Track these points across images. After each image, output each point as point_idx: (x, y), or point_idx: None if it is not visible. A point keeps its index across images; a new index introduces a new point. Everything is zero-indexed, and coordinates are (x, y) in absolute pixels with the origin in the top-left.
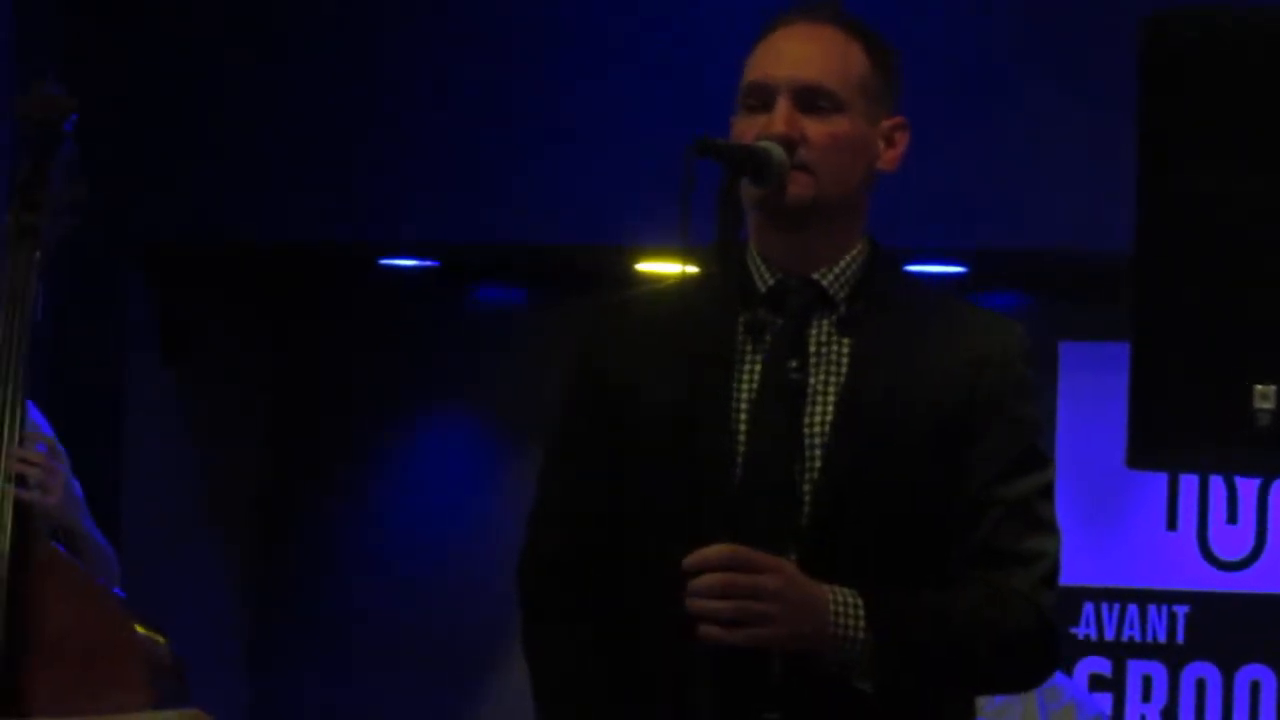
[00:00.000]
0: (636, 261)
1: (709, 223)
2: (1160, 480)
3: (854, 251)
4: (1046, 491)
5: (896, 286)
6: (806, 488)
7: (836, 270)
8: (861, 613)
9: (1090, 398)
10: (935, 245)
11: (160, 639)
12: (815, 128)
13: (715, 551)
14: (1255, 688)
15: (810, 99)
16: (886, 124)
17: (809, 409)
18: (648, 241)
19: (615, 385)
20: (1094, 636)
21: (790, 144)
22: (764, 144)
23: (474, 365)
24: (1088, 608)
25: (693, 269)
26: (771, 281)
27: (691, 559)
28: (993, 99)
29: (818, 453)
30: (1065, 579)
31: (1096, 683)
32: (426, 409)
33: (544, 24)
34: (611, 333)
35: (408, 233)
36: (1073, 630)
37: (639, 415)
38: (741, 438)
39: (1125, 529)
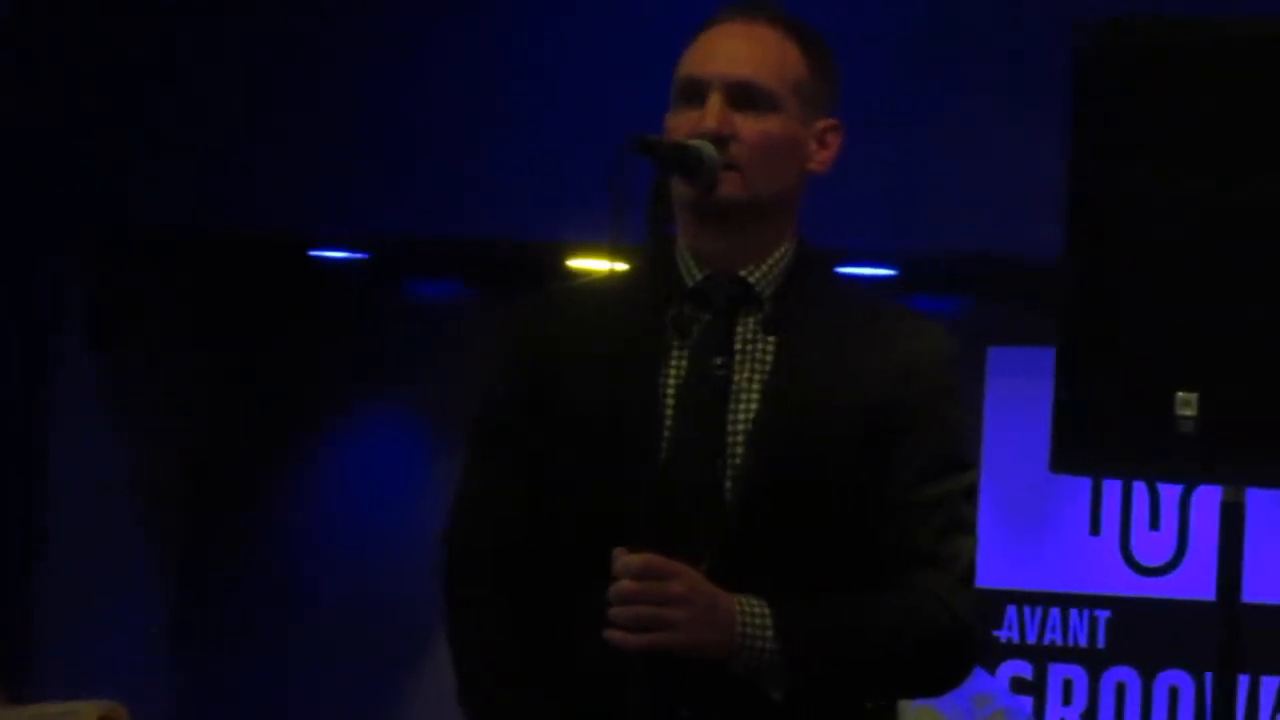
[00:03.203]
0: (569, 258)
1: (641, 219)
2: (1084, 485)
3: (782, 250)
4: (968, 494)
5: (825, 286)
6: (729, 483)
7: (764, 268)
8: (769, 622)
9: (1017, 402)
10: (866, 248)
11: None
12: (747, 125)
13: (630, 559)
14: (1174, 693)
15: (743, 96)
16: (820, 125)
17: (733, 405)
18: (580, 237)
19: (542, 377)
20: (1016, 639)
21: (721, 140)
22: (696, 142)
23: (406, 359)
24: (1010, 611)
25: (622, 265)
26: (699, 277)
27: (615, 568)
28: (925, 103)
29: (740, 449)
30: (988, 582)
31: (1018, 686)
32: (358, 402)
33: (481, 19)
34: (539, 325)
35: (340, 224)
36: (995, 633)
37: (566, 409)
38: (666, 433)
39: (1049, 533)
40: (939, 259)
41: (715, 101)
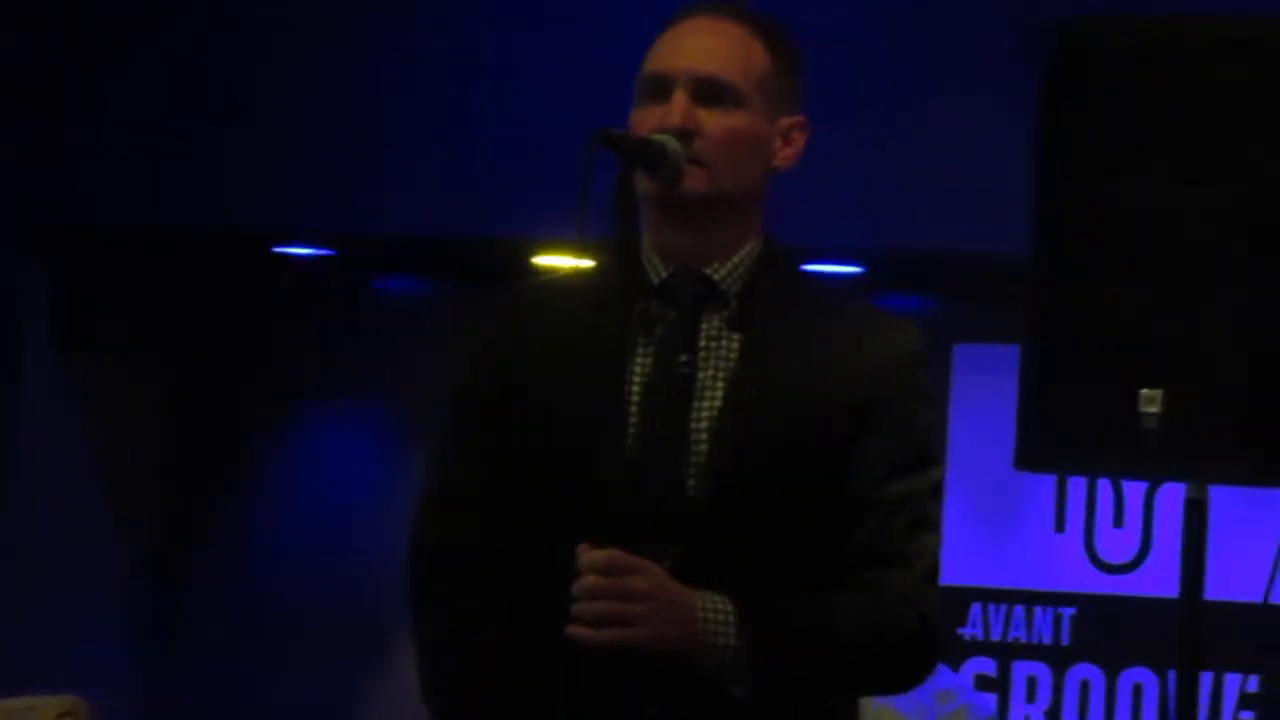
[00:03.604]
0: (535, 254)
1: (607, 216)
2: (1049, 483)
3: (748, 248)
4: (934, 492)
5: (791, 284)
6: (692, 480)
7: (729, 266)
8: (732, 619)
9: (984, 400)
10: (833, 245)
11: None
12: (712, 120)
13: (595, 555)
14: (1138, 690)
15: (708, 92)
16: (785, 122)
17: (697, 402)
18: (547, 234)
19: (508, 375)
20: (980, 637)
21: (686, 135)
22: (660, 137)
23: (373, 356)
24: (975, 608)
25: (589, 262)
26: (665, 275)
27: (579, 564)
28: (892, 101)
29: (704, 446)
30: (953, 579)
31: (982, 683)
32: (325, 399)
33: (448, 14)
34: (505, 322)
35: (306, 222)
36: (959, 631)
37: (532, 406)
38: (631, 430)
39: (1014, 531)
40: (906, 257)
41: (680, 97)
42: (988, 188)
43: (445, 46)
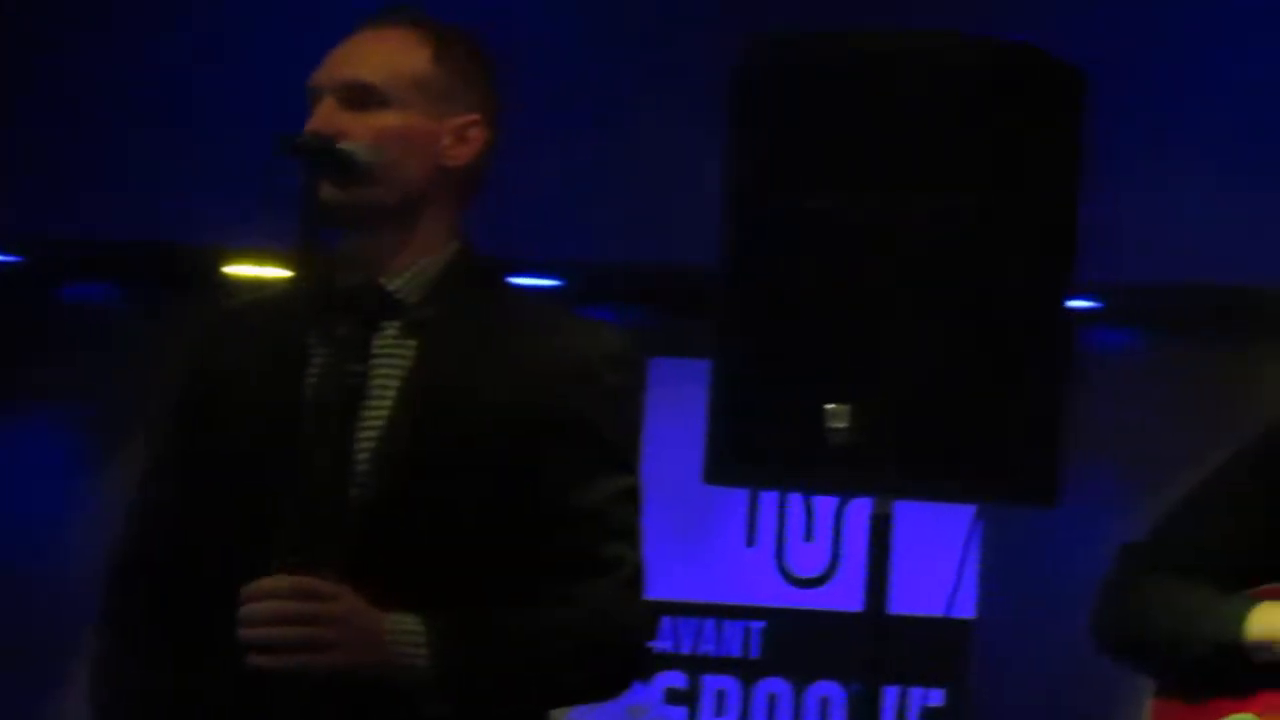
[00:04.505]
0: (227, 263)
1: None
2: (742, 497)
3: (434, 255)
4: (628, 498)
5: (481, 293)
6: (355, 489)
7: (409, 274)
8: (422, 638)
9: (677, 414)
10: (530, 258)
11: None
12: (357, 123)
13: (272, 581)
14: (825, 704)
15: (352, 96)
16: (456, 121)
17: (365, 411)
18: (239, 242)
19: (206, 394)
20: (671, 650)
21: (331, 140)
22: (349, 145)
23: (61, 368)
24: (666, 622)
25: (280, 271)
26: (348, 284)
27: (248, 589)
28: (590, 110)
29: (367, 454)
30: (645, 593)
31: (672, 697)
32: (7, 415)
33: (145, 13)
34: (207, 342)
35: None
36: (650, 644)
37: (221, 424)
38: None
39: (707, 545)
40: (602, 269)
41: (324, 104)
42: (684, 201)
43: (137, 48)
